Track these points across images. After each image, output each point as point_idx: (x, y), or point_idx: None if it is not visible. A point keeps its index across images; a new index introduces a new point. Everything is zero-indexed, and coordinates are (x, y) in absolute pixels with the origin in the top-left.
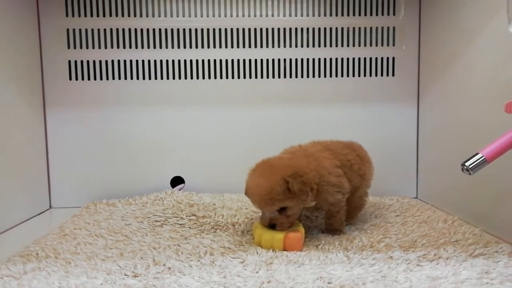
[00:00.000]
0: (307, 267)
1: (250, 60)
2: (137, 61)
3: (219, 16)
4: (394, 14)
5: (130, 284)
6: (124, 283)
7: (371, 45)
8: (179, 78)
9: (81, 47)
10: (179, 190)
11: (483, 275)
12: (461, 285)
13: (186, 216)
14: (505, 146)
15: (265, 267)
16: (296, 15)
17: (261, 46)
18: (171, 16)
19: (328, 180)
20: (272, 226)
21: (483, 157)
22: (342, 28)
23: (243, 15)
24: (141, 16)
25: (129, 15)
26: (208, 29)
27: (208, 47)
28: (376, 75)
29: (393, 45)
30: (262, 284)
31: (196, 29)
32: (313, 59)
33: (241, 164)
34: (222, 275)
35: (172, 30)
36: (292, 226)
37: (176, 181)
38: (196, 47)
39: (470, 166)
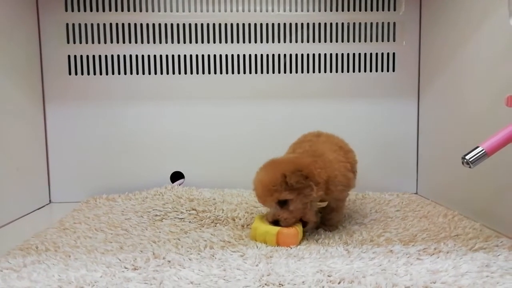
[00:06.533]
0: (307, 261)
1: (250, 56)
2: (137, 56)
3: (219, 11)
4: (394, 10)
5: (130, 276)
6: (123, 275)
7: (371, 40)
8: (179, 73)
9: (80, 42)
10: (179, 185)
11: (483, 268)
12: (461, 278)
13: (186, 211)
14: (506, 140)
15: (265, 260)
16: (296, 10)
17: (261, 41)
18: (171, 11)
19: (340, 181)
20: (275, 222)
21: (483, 150)
22: (343, 24)
23: (243, 10)
24: (140, 11)
25: (128, 10)
26: (208, 24)
27: (208, 42)
28: (376, 71)
29: (394, 40)
30: (262, 277)
31: (196, 24)
32: (313, 55)
33: (241, 159)
34: (222, 268)
35: (172, 25)
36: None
37: (176, 176)
38: (196, 42)
39: (470, 159)
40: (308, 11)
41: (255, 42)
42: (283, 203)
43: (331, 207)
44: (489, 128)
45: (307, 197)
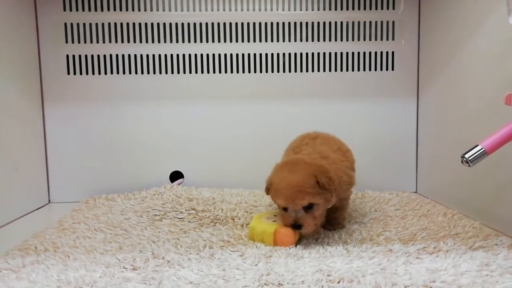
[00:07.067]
0: (306, 260)
1: (249, 55)
2: (135, 55)
3: (218, 10)
4: (393, 8)
5: (129, 277)
6: (123, 276)
7: (370, 39)
8: (178, 72)
9: (79, 42)
10: (178, 184)
11: (483, 267)
12: (460, 277)
13: (185, 210)
14: (505, 138)
15: (264, 260)
16: (295, 9)
17: (260, 41)
18: (170, 10)
19: (345, 180)
20: (297, 227)
21: (483, 149)
22: (342, 22)
23: (242, 10)
24: (139, 10)
25: (127, 10)
26: (207, 23)
27: (207, 41)
28: (375, 70)
29: (393, 39)
30: (261, 276)
31: (195, 24)
32: (313, 54)
33: (240, 158)
34: (221, 268)
35: (170, 24)
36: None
37: (175, 176)
38: (195, 41)
39: (469, 158)
40: (307, 10)
41: (254, 41)
42: (308, 208)
43: (335, 206)
44: (488, 127)
45: (327, 203)
